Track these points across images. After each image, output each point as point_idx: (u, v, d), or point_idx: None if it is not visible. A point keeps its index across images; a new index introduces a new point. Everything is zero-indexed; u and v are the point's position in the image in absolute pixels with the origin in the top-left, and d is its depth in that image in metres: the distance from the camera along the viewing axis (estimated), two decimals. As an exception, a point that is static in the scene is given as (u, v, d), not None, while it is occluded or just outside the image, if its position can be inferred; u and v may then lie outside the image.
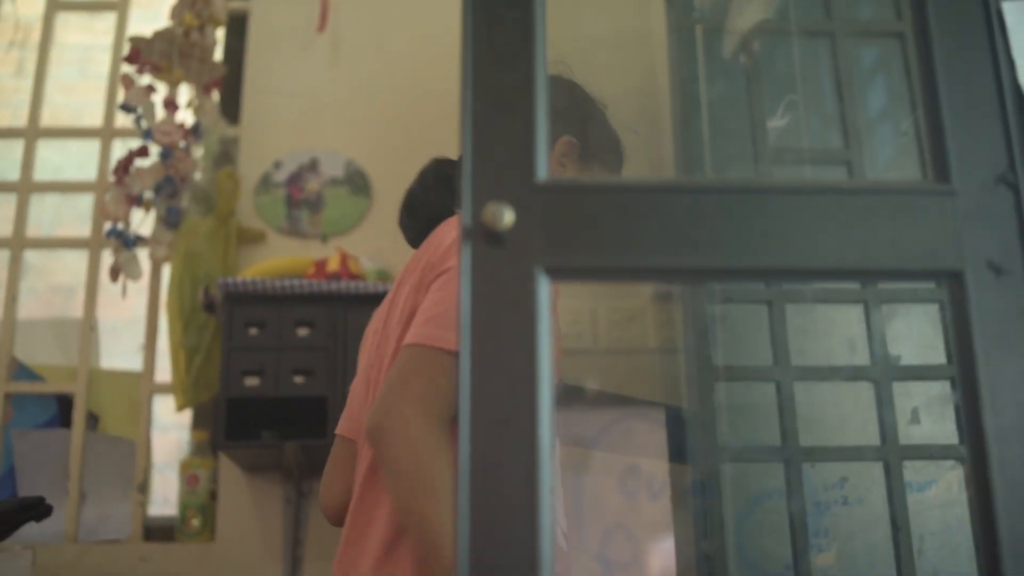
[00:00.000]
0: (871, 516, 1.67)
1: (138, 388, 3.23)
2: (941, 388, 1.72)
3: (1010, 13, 0.79)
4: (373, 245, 3.25)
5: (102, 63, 3.66)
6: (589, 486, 1.17)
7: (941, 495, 1.66)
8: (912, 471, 1.67)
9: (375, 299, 2.84)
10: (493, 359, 0.63)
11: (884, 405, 1.64)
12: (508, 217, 0.63)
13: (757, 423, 1.62)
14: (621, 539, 1.16)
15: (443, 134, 3.23)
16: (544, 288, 0.64)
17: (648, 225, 0.66)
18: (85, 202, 3.61)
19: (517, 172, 0.65)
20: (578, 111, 1.57)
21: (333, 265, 2.97)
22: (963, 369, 0.68)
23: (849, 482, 1.71)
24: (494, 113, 0.66)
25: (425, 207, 1.65)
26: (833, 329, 1.78)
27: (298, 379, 2.78)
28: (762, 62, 1.73)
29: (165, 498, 3.61)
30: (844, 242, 0.68)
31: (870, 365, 1.67)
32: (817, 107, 1.73)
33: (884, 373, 1.66)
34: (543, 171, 0.66)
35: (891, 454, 1.62)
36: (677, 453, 1.44)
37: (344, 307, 2.85)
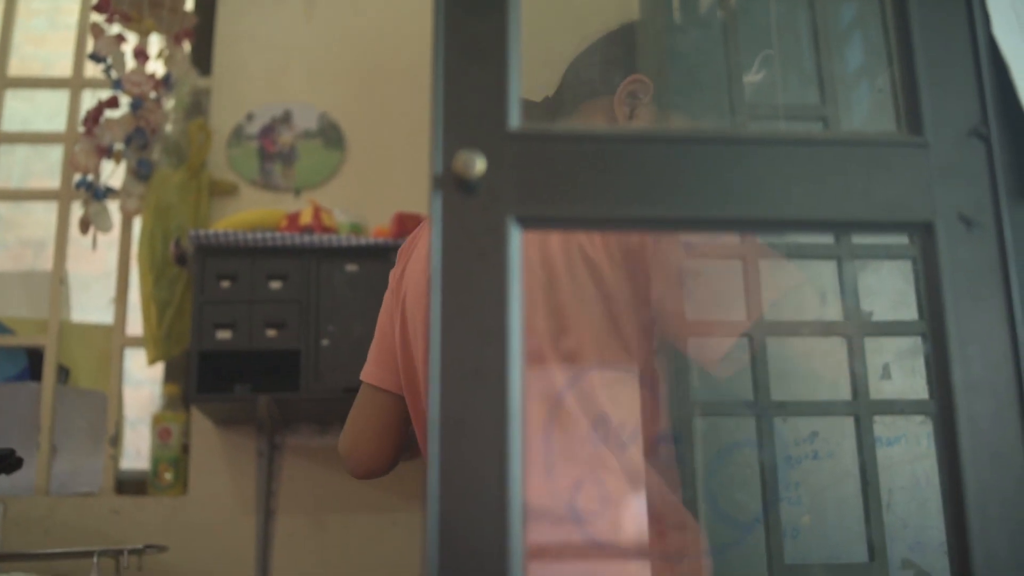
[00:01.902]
0: (841, 470, 1.69)
1: (109, 341, 3.21)
2: (912, 343, 1.73)
3: (986, -35, 0.79)
4: (346, 198, 3.23)
5: (71, 13, 3.61)
6: (558, 436, 1.17)
7: (910, 450, 1.68)
8: (882, 426, 1.68)
9: (348, 252, 2.83)
10: (464, 309, 0.62)
11: (855, 360, 1.65)
12: (480, 165, 0.63)
13: (730, 377, 1.63)
14: (591, 489, 1.17)
15: (418, 88, 3.21)
16: (516, 237, 0.63)
17: (621, 175, 0.66)
18: (55, 153, 3.57)
19: (489, 120, 0.65)
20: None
21: (306, 218, 2.96)
22: (932, 322, 0.68)
23: (820, 436, 1.73)
24: (466, 61, 0.65)
25: None
26: (805, 285, 1.79)
27: (270, 332, 2.77)
28: (739, 16, 1.72)
29: (137, 451, 3.61)
30: (817, 193, 0.68)
31: (842, 320, 1.68)
32: (794, 62, 1.72)
33: (856, 328, 1.67)
34: (515, 120, 0.65)
35: (862, 409, 1.63)
36: (652, 407, 1.46)
37: (317, 260, 2.84)
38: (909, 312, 1.80)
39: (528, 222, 0.64)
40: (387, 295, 1.62)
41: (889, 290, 1.78)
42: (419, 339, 1.47)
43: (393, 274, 1.60)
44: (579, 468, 1.17)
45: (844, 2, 1.83)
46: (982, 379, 0.67)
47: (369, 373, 1.59)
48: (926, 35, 0.72)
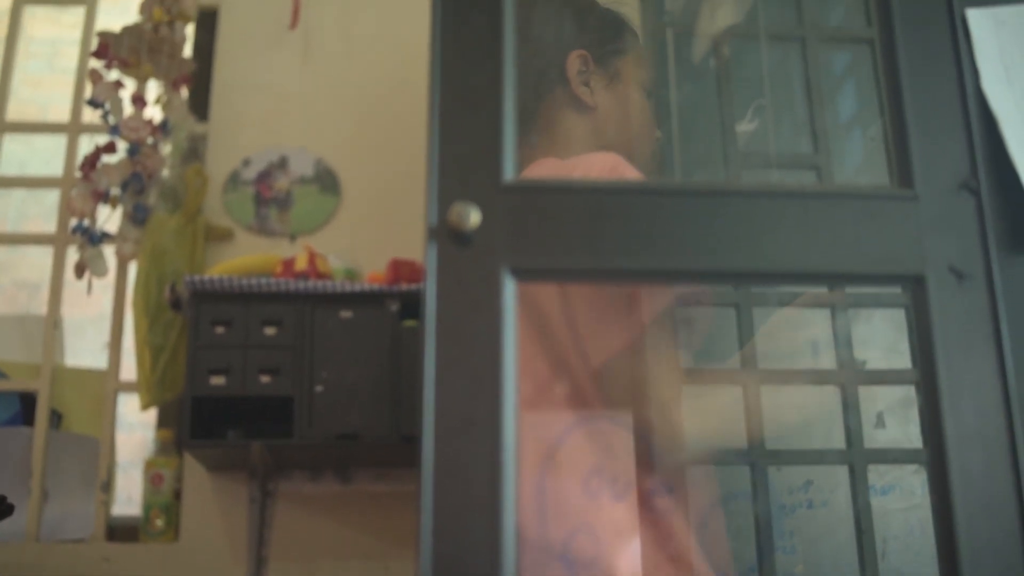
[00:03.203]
0: (835, 519, 1.68)
1: (103, 386, 3.20)
2: (906, 392, 1.73)
3: (974, 20, 0.80)
4: (341, 244, 3.24)
5: (70, 57, 3.63)
6: (552, 486, 1.17)
7: (904, 499, 1.67)
8: (876, 475, 1.68)
9: (342, 298, 2.83)
10: (458, 359, 0.63)
11: (849, 409, 1.65)
12: (474, 217, 0.63)
13: (723, 426, 1.63)
14: (585, 540, 1.16)
15: (413, 134, 3.23)
16: (510, 288, 0.64)
17: (615, 227, 0.66)
18: (51, 197, 3.57)
19: (484, 172, 0.65)
20: (589, 23, 1.45)
21: (301, 264, 2.96)
22: (924, 373, 0.69)
23: (814, 485, 1.73)
24: (462, 113, 0.66)
25: None
26: (800, 333, 1.80)
27: (264, 378, 2.76)
28: (732, 66, 1.74)
29: (129, 497, 3.58)
30: (809, 246, 0.68)
31: (836, 369, 1.69)
32: (787, 111, 1.74)
33: (850, 377, 1.67)
34: (510, 172, 0.66)
35: (856, 458, 1.63)
36: (644, 456, 1.45)
37: (312, 306, 2.84)
38: (902, 361, 1.80)
39: (522, 274, 0.64)
40: None
41: (881, 339, 1.78)
42: None
43: None
44: (573, 518, 1.17)
45: (837, 51, 1.85)
46: (974, 430, 0.67)
47: None
48: (916, 89, 0.73)
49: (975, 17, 0.80)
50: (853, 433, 1.70)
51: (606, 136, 1.41)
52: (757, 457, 1.61)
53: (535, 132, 1.40)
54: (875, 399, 1.74)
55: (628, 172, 1.24)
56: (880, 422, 1.72)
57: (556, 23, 1.43)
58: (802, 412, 1.50)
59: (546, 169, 1.32)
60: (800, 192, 0.70)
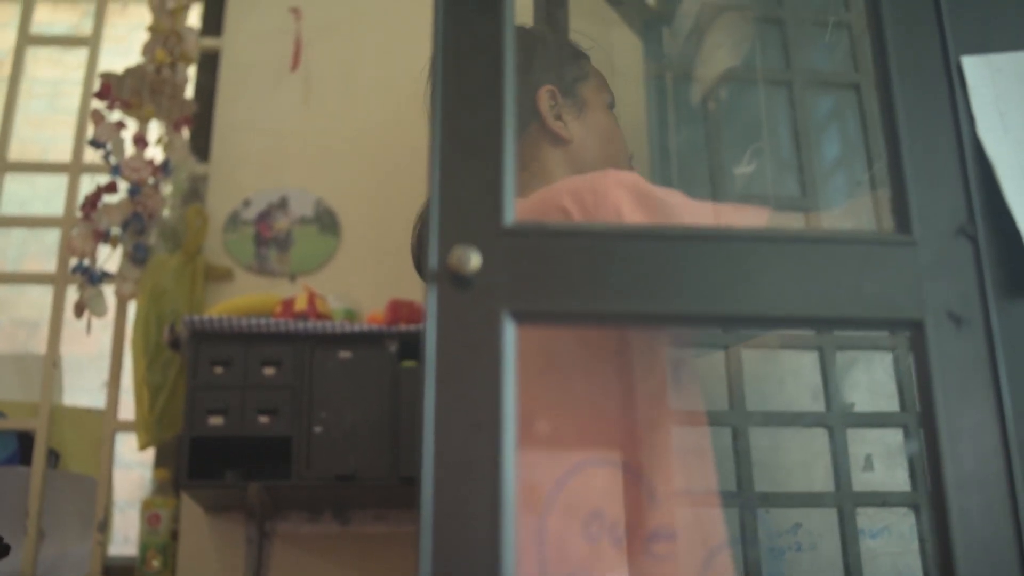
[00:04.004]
0: (824, 562, 1.68)
1: (101, 426, 3.19)
2: (894, 436, 1.74)
3: (970, 67, 0.81)
4: (341, 285, 3.24)
5: (72, 97, 3.65)
6: (550, 531, 1.16)
7: (893, 542, 1.67)
8: (865, 518, 1.68)
9: (342, 339, 2.83)
10: (458, 402, 0.63)
11: (838, 451, 1.65)
12: (475, 261, 0.64)
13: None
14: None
15: (413, 175, 3.23)
16: (510, 331, 0.64)
17: (614, 270, 0.67)
18: (52, 237, 3.58)
19: (484, 216, 0.66)
20: (548, 57, 1.51)
21: (300, 304, 2.96)
22: (924, 418, 0.69)
23: (803, 528, 1.72)
24: (462, 157, 0.67)
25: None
26: (789, 375, 1.80)
27: (263, 419, 2.76)
28: (729, 109, 1.75)
29: (126, 537, 3.56)
30: (808, 290, 0.69)
31: (825, 412, 1.69)
32: (779, 155, 1.75)
33: (839, 420, 1.67)
34: (510, 215, 0.66)
35: (845, 500, 1.63)
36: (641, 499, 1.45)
37: (311, 347, 2.83)
38: (891, 404, 1.80)
39: (522, 317, 0.64)
40: None
41: (870, 382, 1.78)
42: None
43: None
44: (572, 561, 1.16)
45: (822, 96, 1.87)
46: (973, 475, 0.67)
47: None
48: (912, 135, 0.74)
49: (970, 64, 0.81)
50: (842, 475, 1.70)
51: (586, 164, 1.43)
52: (747, 499, 1.61)
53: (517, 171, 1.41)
54: (863, 441, 1.74)
55: (653, 191, 1.24)
56: (868, 465, 1.72)
57: (522, 62, 1.45)
58: (791, 454, 1.50)
59: (535, 202, 1.31)
60: (800, 237, 0.70)
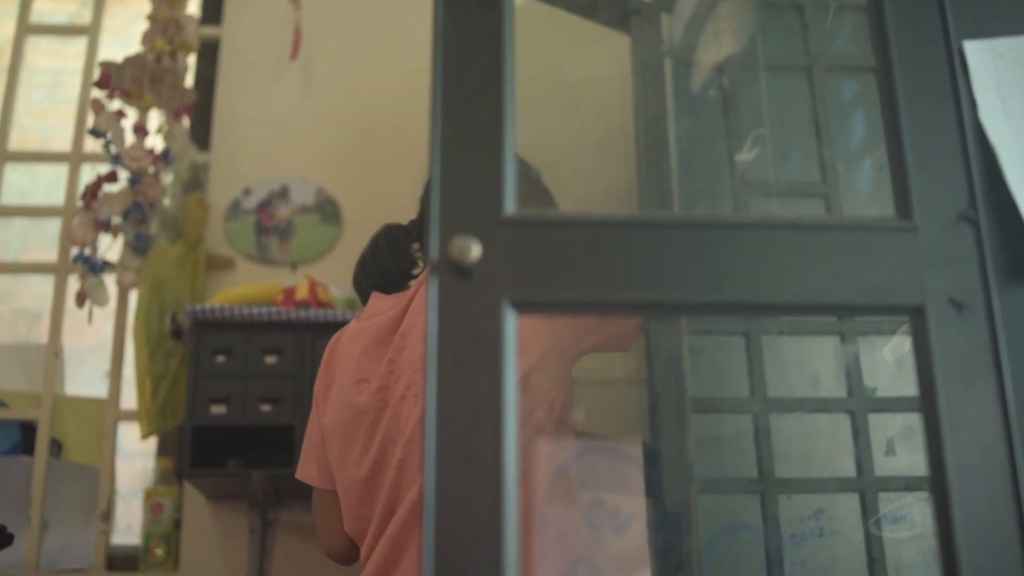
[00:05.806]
0: (847, 547, 1.68)
1: (103, 415, 3.20)
2: (916, 419, 1.73)
3: (972, 52, 0.80)
4: (342, 273, 3.23)
5: (72, 87, 3.65)
6: (553, 518, 1.17)
7: (916, 526, 1.66)
8: (887, 502, 1.67)
9: (343, 327, 2.83)
10: (459, 392, 0.63)
11: (860, 436, 1.65)
12: (475, 251, 0.64)
13: (733, 455, 1.62)
14: (585, 572, 1.16)
15: (413, 163, 3.24)
16: (511, 321, 0.64)
17: (615, 259, 0.67)
18: (52, 227, 3.58)
19: (484, 206, 0.66)
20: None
21: (302, 293, 2.96)
22: (924, 404, 0.69)
23: (825, 513, 1.72)
24: (463, 148, 0.67)
25: (376, 266, 1.69)
26: (810, 361, 1.79)
27: (265, 407, 2.76)
28: (734, 96, 1.74)
29: (129, 527, 3.57)
30: (808, 277, 0.69)
31: (846, 397, 1.68)
32: (795, 141, 1.74)
33: (860, 405, 1.67)
34: (511, 205, 0.66)
35: (867, 485, 1.63)
36: (653, 486, 1.45)
37: (312, 335, 2.84)
38: (912, 388, 1.79)
39: (523, 306, 0.64)
40: (313, 407, 1.75)
41: (891, 366, 1.78)
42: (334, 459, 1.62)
43: (317, 389, 1.69)
44: (573, 551, 1.16)
45: (846, 79, 1.86)
46: (975, 461, 0.67)
47: (310, 476, 1.72)
48: (914, 121, 0.74)
49: (972, 49, 0.80)
50: (863, 460, 1.70)
51: None
52: (767, 486, 1.61)
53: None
54: (885, 426, 1.73)
55: None
56: (890, 449, 1.71)
57: None
58: (812, 440, 1.51)
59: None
60: (800, 224, 0.70)
